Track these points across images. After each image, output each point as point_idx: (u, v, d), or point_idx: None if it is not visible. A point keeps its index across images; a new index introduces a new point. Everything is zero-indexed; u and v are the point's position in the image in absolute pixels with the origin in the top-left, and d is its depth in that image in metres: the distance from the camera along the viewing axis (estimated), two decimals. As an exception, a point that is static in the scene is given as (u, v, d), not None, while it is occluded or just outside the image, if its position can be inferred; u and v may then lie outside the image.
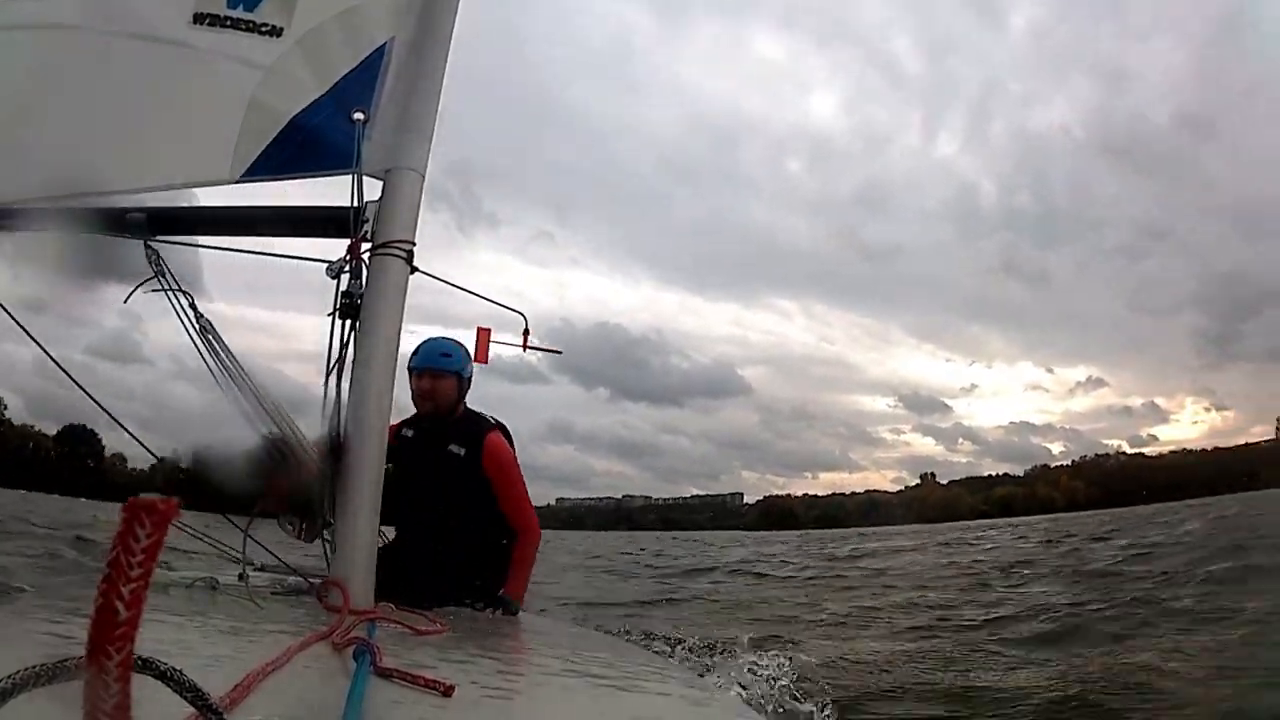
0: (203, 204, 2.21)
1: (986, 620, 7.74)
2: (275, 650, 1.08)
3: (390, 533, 2.66)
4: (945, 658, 6.06)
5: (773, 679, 4.81)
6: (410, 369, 2.78)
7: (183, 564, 2.41)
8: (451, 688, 1.08)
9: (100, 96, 1.96)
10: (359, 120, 2.09)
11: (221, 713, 0.61)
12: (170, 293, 2.04)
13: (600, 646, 2.57)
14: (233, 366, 1.97)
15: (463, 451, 2.75)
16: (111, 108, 1.97)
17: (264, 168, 2.04)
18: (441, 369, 2.78)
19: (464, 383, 2.82)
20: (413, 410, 2.86)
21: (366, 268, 2.07)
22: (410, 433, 2.82)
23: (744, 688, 4.44)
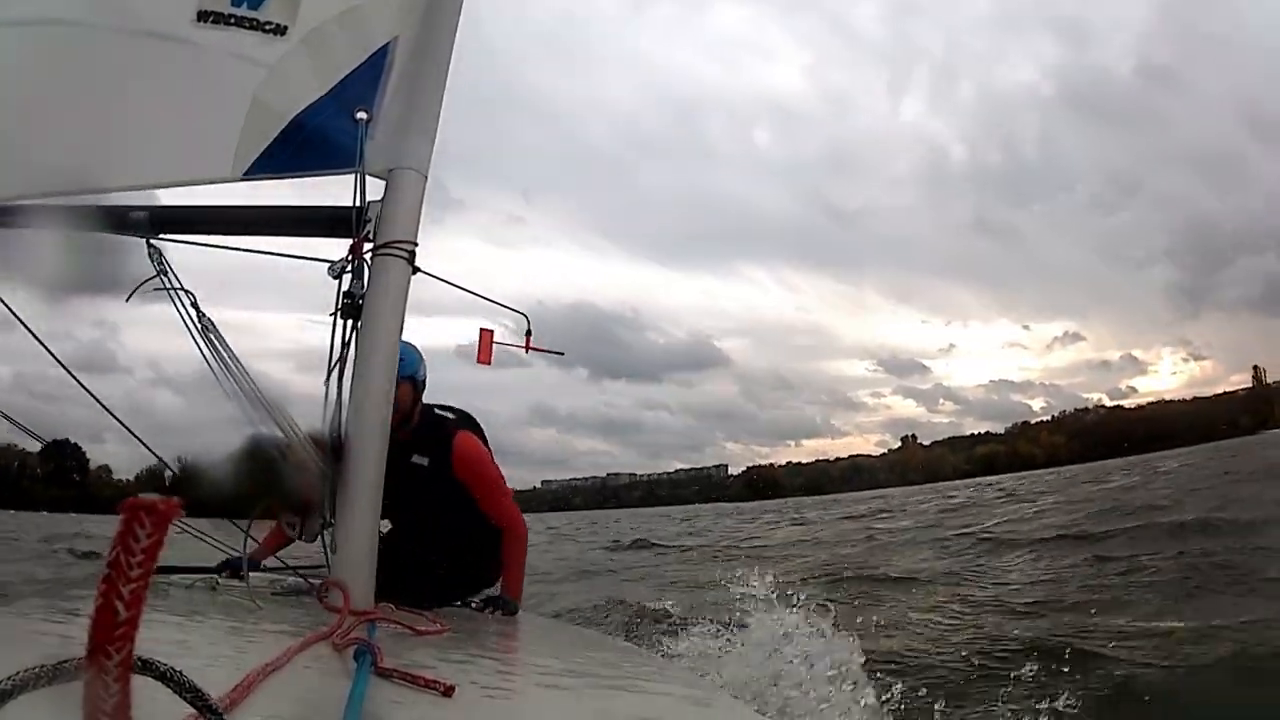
0: (205, 203, 2.21)
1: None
2: (275, 650, 1.08)
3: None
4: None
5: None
6: None
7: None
8: (451, 688, 1.08)
9: (102, 93, 1.95)
10: (362, 119, 2.09)
11: (221, 713, 0.61)
12: (172, 292, 2.04)
13: (600, 647, 2.57)
14: (235, 367, 1.96)
15: (426, 461, 2.61)
16: (114, 105, 1.97)
17: (266, 166, 2.04)
18: None
19: (418, 386, 2.67)
20: None
21: (368, 268, 2.07)
22: None
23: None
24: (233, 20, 2.02)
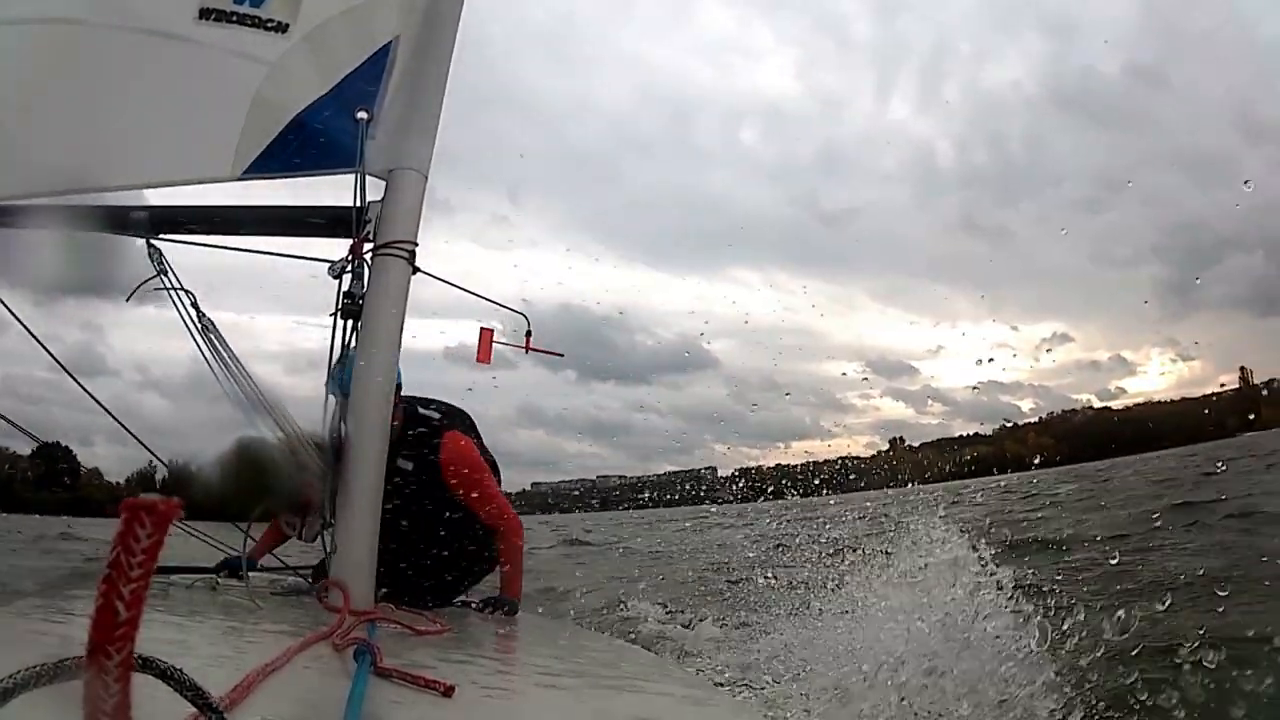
0: (205, 203, 2.20)
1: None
2: (275, 650, 1.08)
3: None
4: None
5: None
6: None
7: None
8: (451, 688, 1.08)
9: (103, 91, 1.95)
10: (362, 119, 2.08)
11: (222, 712, 0.61)
12: (172, 291, 2.04)
13: (600, 646, 2.57)
14: (235, 367, 1.96)
15: (411, 465, 2.49)
16: (114, 103, 1.96)
17: (266, 166, 2.03)
18: None
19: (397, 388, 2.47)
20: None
21: (369, 268, 2.07)
22: None
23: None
24: (235, 18, 2.01)
